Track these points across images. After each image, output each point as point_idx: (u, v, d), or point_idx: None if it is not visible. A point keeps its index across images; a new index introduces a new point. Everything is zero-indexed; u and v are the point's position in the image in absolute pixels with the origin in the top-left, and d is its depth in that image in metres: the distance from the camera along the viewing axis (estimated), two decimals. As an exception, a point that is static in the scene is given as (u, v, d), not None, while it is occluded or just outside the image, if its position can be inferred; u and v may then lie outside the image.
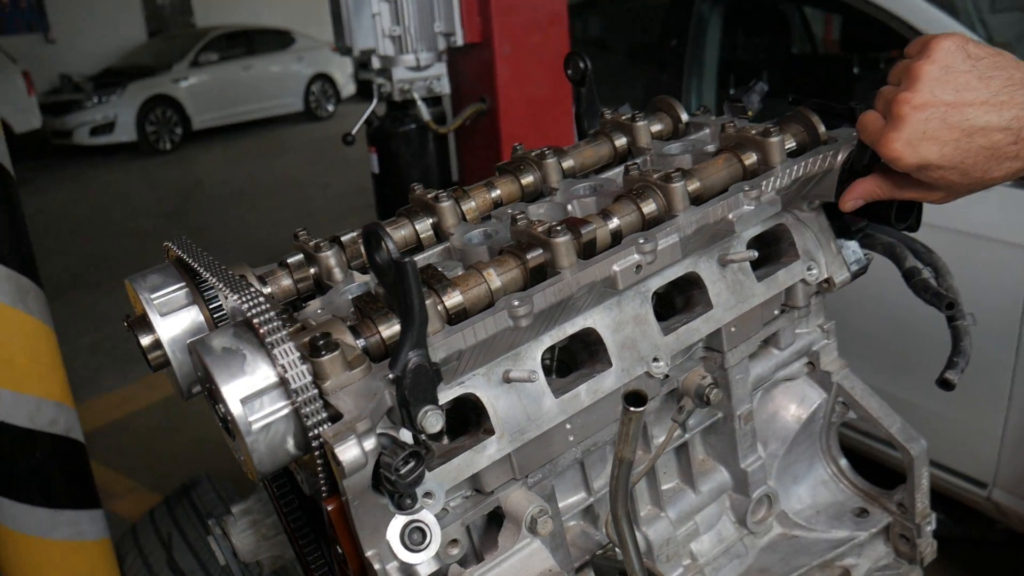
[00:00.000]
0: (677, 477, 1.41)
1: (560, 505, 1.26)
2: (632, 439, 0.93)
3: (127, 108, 14.24)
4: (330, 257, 1.20)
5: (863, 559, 1.43)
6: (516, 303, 1.01)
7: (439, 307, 1.02)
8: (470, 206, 1.33)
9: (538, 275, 1.08)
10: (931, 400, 3.03)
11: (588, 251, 1.11)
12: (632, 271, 1.09)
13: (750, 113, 1.54)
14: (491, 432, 1.09)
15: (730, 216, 1.17)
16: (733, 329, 1.29)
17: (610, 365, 1.18)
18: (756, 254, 1.23)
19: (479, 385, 1.09)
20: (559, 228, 1.07)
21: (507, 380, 1.10)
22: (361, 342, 0.98)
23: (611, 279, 1.09)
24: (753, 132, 1.26)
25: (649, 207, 1.16)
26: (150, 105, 14.43)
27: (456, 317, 1.03)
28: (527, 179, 1.37)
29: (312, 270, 1.23)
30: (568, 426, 1.16)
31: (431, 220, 1.30)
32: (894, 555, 1.45)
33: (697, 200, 1.21)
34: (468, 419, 1.15)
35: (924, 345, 2.95)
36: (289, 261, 1.22)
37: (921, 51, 1.07)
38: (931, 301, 1.32)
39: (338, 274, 1.21)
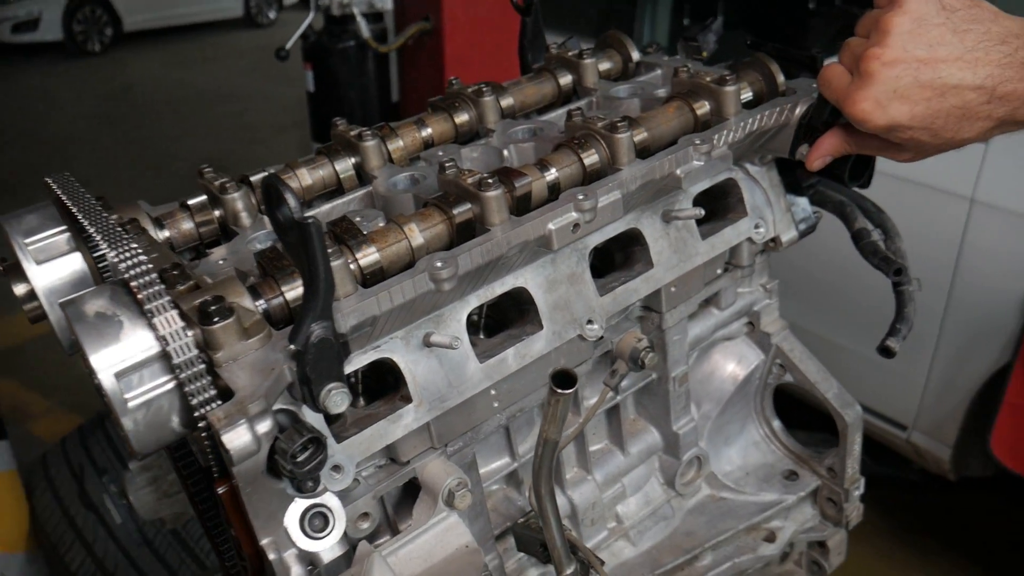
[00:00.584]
0: (606, 438, 1.35)
1: (482, 471, 1.20)
2: (559, 420, 0.85)
3: (53, 4, 13.33)
4: (237, 200, 1.08)
5: (789, 521, 1.41)
6: (439, 264, 0.91)
7: (352, 266, 0.92)
8: (397, 146, 1.21)
9: (466, 231, 0.98)
10: (860, 344, 3.06)
11: (522, 206, 1.02)
12: (569, 230, 1.00)
13: (704, 54, 1.44)
14: (408, 399, 1.01)
15: (678, 172, 1.08)
16: (673, 289, 1.22)
17: (541, 327, 1.10)
18: (702, 212, 1.15)
19: (396, 349, 1.00)
20: (491, 180, 0.97)
21: (427, 344, 1.01)
22: (261, 304, 0.88)
23: (546, 238, 1.00)
24: (708, 79, 1.16)
25: (591, 158, 1.07)
26: (78, 2, 13.55)
27: (372, 278, 0.93)
28: (462, 118, 1.26)
29: (217, 213, 1.11)
30: (493, 392, 1.08)
31: (354, 160, 1.18)
32: (820, 518, 1.43)
33: (644, 152, 1.12)
34: (386, 381, 1.06)
35: (858, 290, 2.95)
36: (191, 203, 1.10)
37: (892, 1, 0.98)
38: (879, 266, 1.27)
39: (245, 219, 1.09)
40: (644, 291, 1.18)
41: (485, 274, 1.02)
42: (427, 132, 1.24)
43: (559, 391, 0.82)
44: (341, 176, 1.18)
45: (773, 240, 1.30)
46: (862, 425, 1.35)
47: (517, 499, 1.24)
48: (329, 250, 0.85)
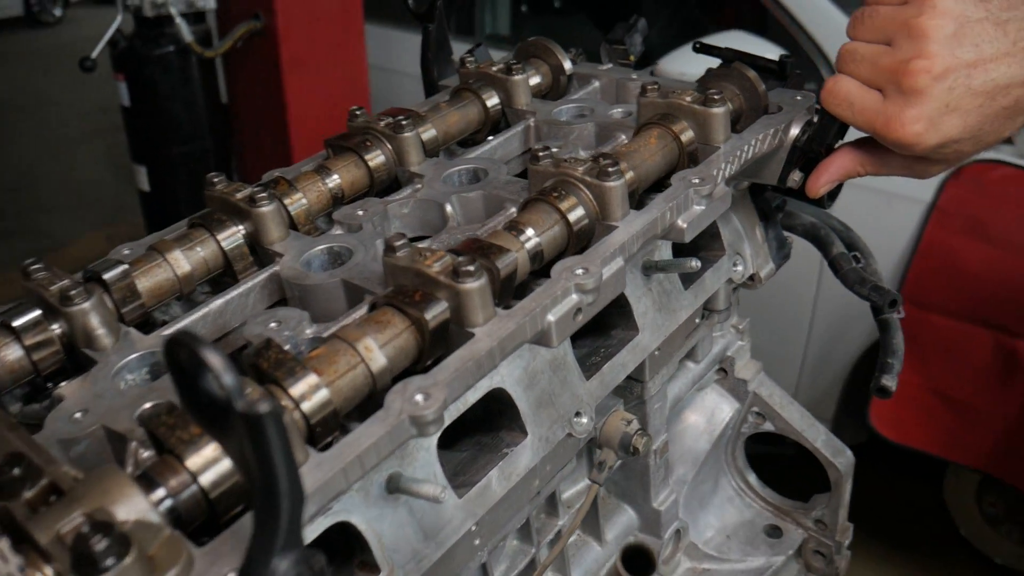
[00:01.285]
0: (579, 529, 1.13)
1: (455, 613, 0.94)
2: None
3: None
4: (88, 313, 0.75)
5: (779, 585, 1.25)
6: (420, 399, 0.64)
7: (295, 416, 0.63)
8: (300, 207, 0.91)
9: (439, 337, 0.71)
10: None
11: (506, 291, 0.76)
12: (571, 319, 0.75)
13: (632, 58, 1.22)
14: (375, 569, 0.73)
15: (680, 223, 0.85)
16: (658, 353, 1.01)
17: (524, 434, 0.85)
18: (699, 264, 0.93)
19: (354, 507, 0.72)
20: (470, 267, 0.70)
21: (394, 492, 0.74)
22: (164, 502, 0.57)
23: (544, 334, 0.74)
24: (687, 99, 0.94)
25: (576, 213, 0.82)
26: None
27: (321, 428, 0.64)
28: (376, 160, 0.97)
29: (57, 329, 0.76)
30: (474, 528, 0.83)
31: (243, 228, 0.87)
32: (807, 573, 1.29)
33: (630, 196, 0.89)
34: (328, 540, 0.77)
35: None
36: (16, 323, 0.75)
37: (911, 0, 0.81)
38: (870, 297, 1.11)
39: (104, 338, 0.76)
40: (632, 364, 0.96)
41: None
42: (334, 182, 0.94)
43: (635, 580, 0.57)
44: (229, 254, 0.86)
45: (751, 277, 1.12)
46: (852, 472, 1.21)
47: (496, 635, 0.99)
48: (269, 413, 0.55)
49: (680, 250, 1.07)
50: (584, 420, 0.90)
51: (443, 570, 0.80)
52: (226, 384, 0.45)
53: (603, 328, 0.99)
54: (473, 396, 0.80)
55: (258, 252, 0.88)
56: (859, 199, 2.67)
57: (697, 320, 1.09)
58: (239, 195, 0.87)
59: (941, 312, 2.59)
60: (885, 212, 2.65)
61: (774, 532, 1.26)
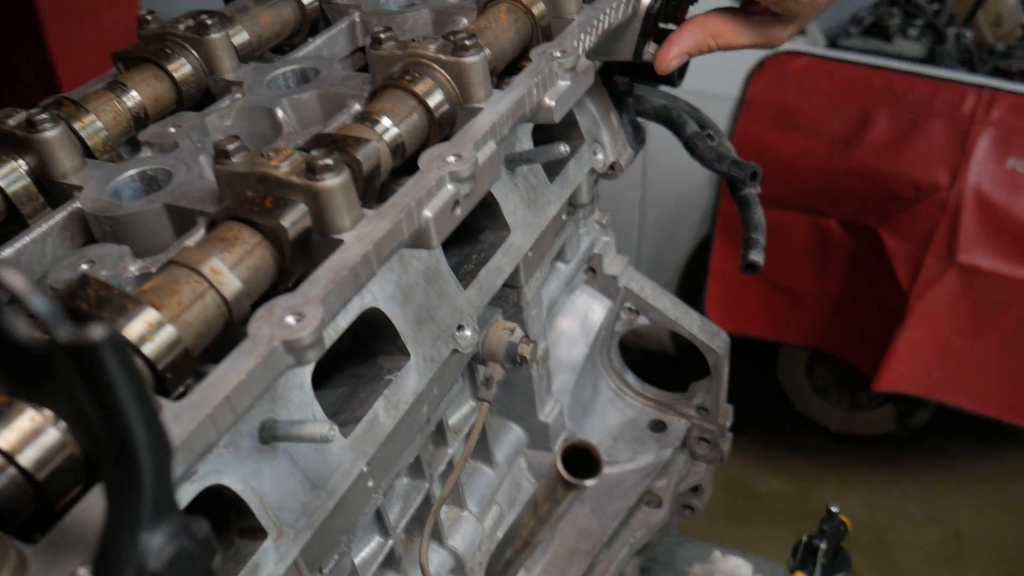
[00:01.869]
0: (469, 455, 1.05)
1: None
2: (559, 519, 0.54)
3: None
4: None
5: (669, 477, 1.24)
6: (291, 320, 0.53)
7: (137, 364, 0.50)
8: (96, 131, 0.74)
9: (302, 250, 0.59)
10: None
11: (371, 190, 0.65)
12: (449, 213, 0.66)
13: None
14: (260, 533, 0.62)
15: (547, 100, 0.77)
16: (531, 254, 0.93)
17: (407, 356, 0.75)
18: (568, 148, 0.85)
19: (225, 465, 0.60)
20: (328, 161, 0.58)
21: (269, 441, 0.62)
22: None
23: (421, 233, 0.64)
24: (532, -33, 0.84)
25: (436, 98, 0.71)
26: None
27: (174, 373, 0.52)
28: (182, 70, 0.82)
29: None
30: (366, 469, 0.73)
31: (24, 162, 0.70)
32: (692, 461, 1.28)
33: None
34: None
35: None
36: None
37: None
38: (731, 172, 1.09)
39: None
40: (509, 267, 0.88)
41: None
42: (133, 100, 0.78)
43: (578, 483, 0.50)
44: (11, 195, 0.69)
45: (612, 166, 1.06)
46: (729, 354, 1.21)
47: (399, 584, 0.90)
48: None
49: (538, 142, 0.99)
50: (468, 333, 0.81)
51: (338, 521, 0.70)
52: (37, 308, 0.33)
53: (470, 235, 0.90)
54: (344, 320, 0.69)
55: (49, 190, 0.71)
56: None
57: (564, 216, 1.03)
58: (12, 121, 0.70)
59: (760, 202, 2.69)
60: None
61: (658, 427, 1.24)
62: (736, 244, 2.78)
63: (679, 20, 0.91)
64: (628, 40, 0.93)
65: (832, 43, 2.78)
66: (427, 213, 0.63)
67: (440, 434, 0.93)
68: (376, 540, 0.86)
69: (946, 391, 2.67)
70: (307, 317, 0.53)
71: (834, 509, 1.16)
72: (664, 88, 1.16)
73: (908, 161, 2.50)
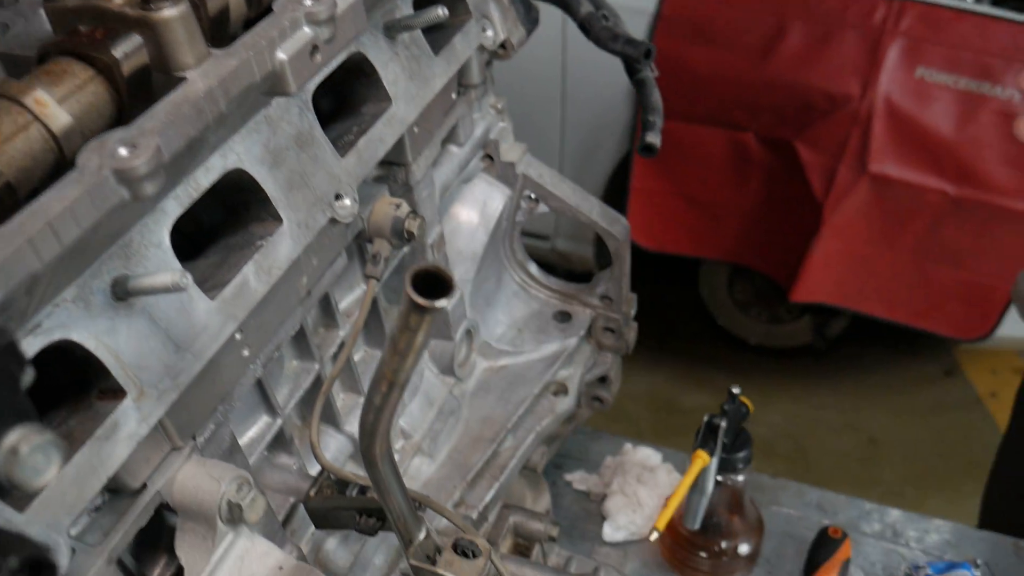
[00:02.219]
0: (365, 344, 1.04)
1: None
2: (418, 351, 0.53)
3: None
4: None
5: (575, 366, 1.25)
6: (124, 151, 0.50)
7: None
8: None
9: (141, 87, 0.56)
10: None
11: (220, 31, 0.61)
12: (306, 57, 0.63)
13: None
14: (119, 393, 0.60)
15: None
16: (417, 130, 0.91)
17: (280, 221, 0.73)
18: (446, 12, 0.83)
19: (75, 320, 0.57)
20: (162, -9, 0.54)
21: (123, 296, 0.59)
22: None
23: (275, 76, 0.61)
24: None
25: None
26: None
27: (-4, 205, 0.48)
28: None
29: None
30: (239, 336, 0.71)
31: None
32: (599, 351, 1.29)
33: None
34: (53, 377, 0.62)
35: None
36: None
37: None
38: (624, 51, 1.07)
39: None
40: (391, 137, 0.85)
41: (186, 160, 0.61)
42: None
43: (429, 304, 0.49)
44: None
45: (503, 45, 1.04)
46: (629, 239, 1.21)
47: (292, 464, 0.89)
48: None
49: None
50: (347, 202, 0.79)
51: (209, 387, 0.68)
52: None
53: (352, 108, 0.87)
54: (206, 179, 0.66)
55: None
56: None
57: (454, 95, 1.00)
58: None
59: (678, 118, 2.70)
60: (617, 27, 2.68)
61: (563, 317, 1.24)
62: (656, 160, 2.80)
63: None
64: (510, -97, 0.89)
65: (749, -45, 2.76)
66: (281, 55, 0.60)
67: (330, 316, 0.91)
68: (264, 419, 0.85)
69: (859, 300, 2.75)
70: (141, 147, 0.50)
71: (735, 390, 1.18)
72: None
73: (822, 72, 2.52)
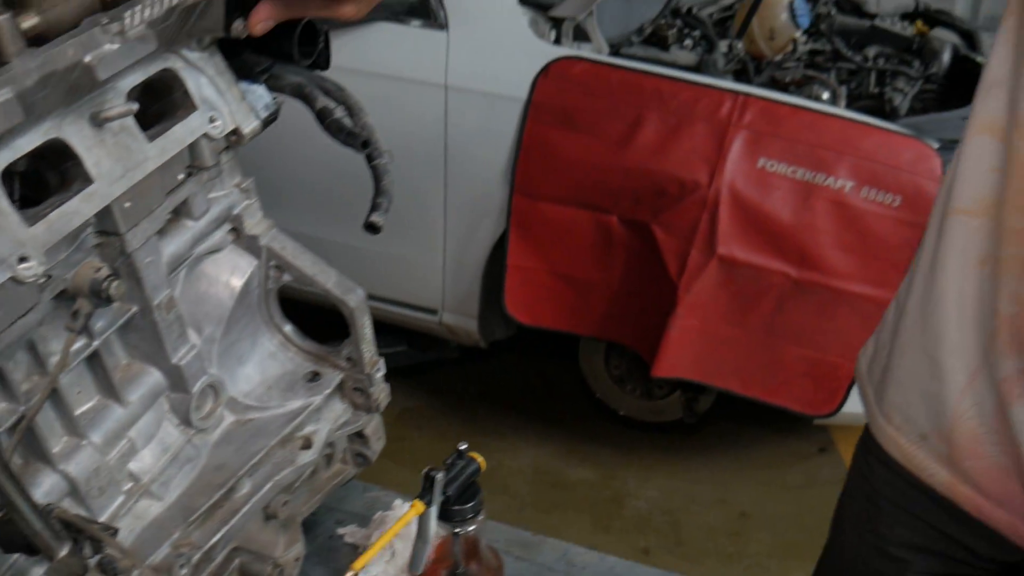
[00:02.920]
0: (96, 394, 1.16)
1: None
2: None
3: None
4: None
5: (322, 423, 1.37)
6: None
7: None
8: None
9: None
10: (376, 242, 3.15)
11: None
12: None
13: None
14: None
15: (87, 59, 0.89)
16: (128, 204, 1.05)
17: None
18: (136, 106, 0.98)
19: None
20: None
21: None
22: None
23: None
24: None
25: (-46, 53, 0.83)
26: None
27: None
28: None
29: None
30: None
31: None
32: (352, 410, 1.42)
33: (40, 40, 0.91)
34: None
35: (359, 191, 3.01)
36: None
37: None
38: (346, 141, 1.23)
39: None
40: (88, 211, 0.99)
41: None
42: None
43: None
44: None
45: (234, 133, 1.19)
46: (367, 308, 1.34)
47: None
48: None
49: (158, 113, 1.12)
50: (32, 263, 0.92)
51: None
52: None
53: (66, 184, 1.01)
54: None
55: None
56: (466, 101, 2.88)
57: (181, 176, 1.15)
58: None
59: (549, 200, 2.88)
60: (490, 115, 2.88)
61: (314, 377, 1.37)
62: (530, 240, 2.96)
63: (257, -2, 1.04)
64: (216, 17, 1.06)
65: (616, 51, 2.99)
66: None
67: (38, 363, 1.03)
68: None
69: (717, 376, 2.89)
70: None
71: (462, 447, 1.30)
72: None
73: (674, 160, 2.72)
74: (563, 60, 2.81)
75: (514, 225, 2.92)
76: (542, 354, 3.66)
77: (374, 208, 1.24)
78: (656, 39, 3.05)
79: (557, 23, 2.93)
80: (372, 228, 1.23)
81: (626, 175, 2.77)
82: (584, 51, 2.91)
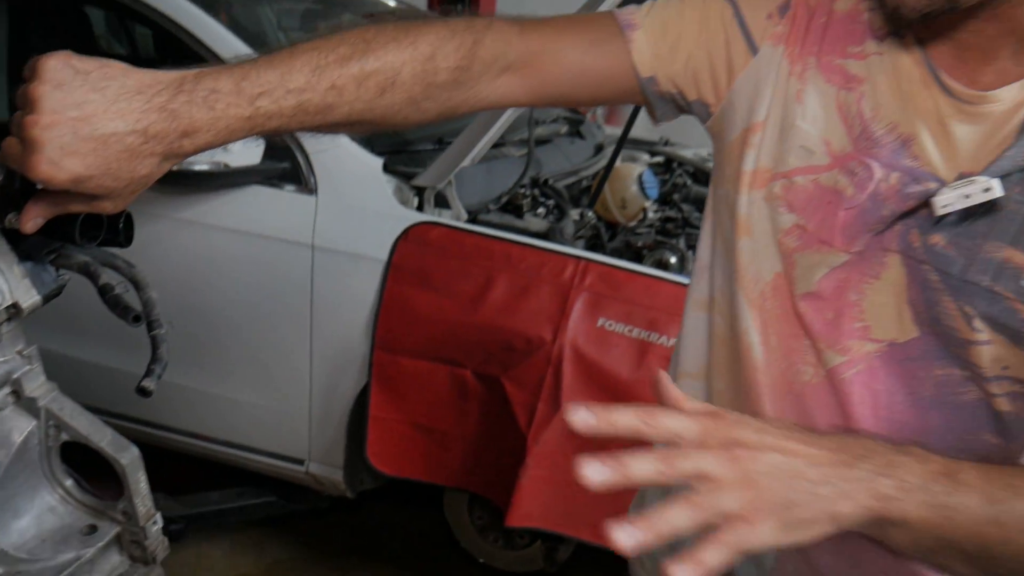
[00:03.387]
0: None
1: None
2: None
3: None
4: None
5: (96, 574, 1.43)
6: None
7: None
8: None
9: None
10: (246, 392, 3.26)
11: None
12: None
13: None
14: None
15: None
16: None
17: None
18: None
19: None
20: None
21: None
22: None
23: None
24: None
25: None
26: None
27: None
28: None
29: None
30: None
31: None
32: (129, 562, 1.49)
33: None
34: None
35: (228, 341, 3.14)
36: None
37: (31, 74, 1.08)
38: (121, 315, 1.38)
39: None
40: None
41: None
42: None
43: None
44: None
45: (14, 307, 1.33)
46: (142, 464, 1.45)
47: None
48: None
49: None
50: None
51: None
52: None
53: None
54: None
55: None
56: (333, 262, 3.08)
57: (-47, 345, 1.27)
58: None
59: (407, 354, 3.04)
60: (354, 274, 3.07)
61: (91, 530, 1.45)
62: (391, 392, 3.09)
63: (31, 192, 1.20)
64: (-11, 211, 1.22)
65: (474, 218, 3.25)
66: None
67: None
68: None
69: (569, 525, 2.99)
70: None
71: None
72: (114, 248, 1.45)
73: (522, 319, 2.93)
74: (421, 225, 3.05)
75: (375, 378, 3.06)
76: (412, 503, 3.71)
77: (147, 374, 1.37)
78: (512, 207, 3.32)
79: (420, 191, 3.18)
80: (143, 392, 1.35)
81: (478, 332, 2.96)
82: (443, 217, 3.15)
